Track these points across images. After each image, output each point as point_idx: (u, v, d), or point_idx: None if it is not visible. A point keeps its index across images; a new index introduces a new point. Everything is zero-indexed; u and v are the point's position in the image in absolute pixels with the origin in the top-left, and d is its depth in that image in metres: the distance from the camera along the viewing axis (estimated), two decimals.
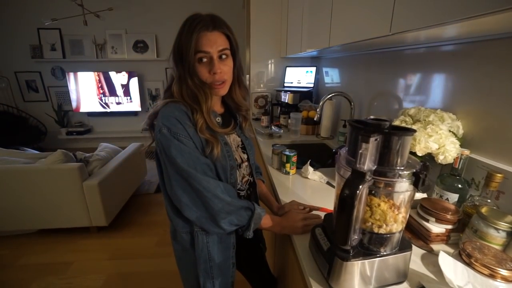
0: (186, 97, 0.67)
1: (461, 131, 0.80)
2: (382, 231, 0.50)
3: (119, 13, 3.56)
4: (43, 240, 2.01)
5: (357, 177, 0.45)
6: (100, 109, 3.90)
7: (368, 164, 0.45)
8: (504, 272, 0.51)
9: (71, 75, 3.71)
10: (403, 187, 0.48)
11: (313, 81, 2.15)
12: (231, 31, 0.68)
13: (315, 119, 1.48)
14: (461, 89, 0.83)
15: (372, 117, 0.48)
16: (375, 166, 0.46)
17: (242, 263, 0.91)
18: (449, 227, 0.67)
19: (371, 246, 0.53)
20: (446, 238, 0.68)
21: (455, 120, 0.81)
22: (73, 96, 3.79)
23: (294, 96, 2.09)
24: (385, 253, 0.52)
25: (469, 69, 0.80)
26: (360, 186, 0.43)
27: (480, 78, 0.76)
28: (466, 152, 0.72)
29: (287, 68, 2.36)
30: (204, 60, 0.66)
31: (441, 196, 0.76)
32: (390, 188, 0.48)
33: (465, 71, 0.81)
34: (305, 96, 2.12)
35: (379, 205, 0.51)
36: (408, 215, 0.52)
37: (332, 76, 2.01)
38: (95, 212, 1.95)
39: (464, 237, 0.65)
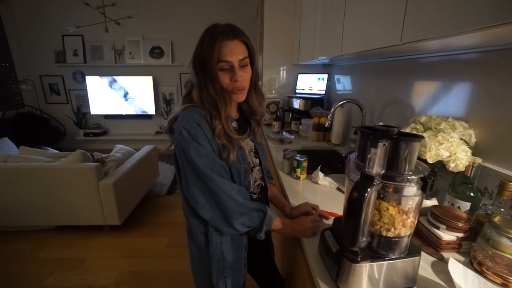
0: (206, 103, 0.71)
1: (473, 140, 0.79)
2: (390, 234, 0.51)
3: (138, 20, 3.73)
4: (61, 236, 2.10)
5: (366, 180, 0.46)
6: (116, 111, 4.05)
7: (376, 168, 0.46)
8: None
9: (91, 78, 3.89)
10: (411, 191, 0.49)
11: (324, 88, 2.17)
12: (249, 39, 0.72)
13: (326, 125, 1.49)
14: (474, 98, 0.83)
15: (381, 123, 0.50)
16: (384, 171, 0.48)
17: (252, 265, 0.93)
18: (460, 235, 0.66)
19: (379, 249, 0.54)
20: (457, 247, 0.67)
21: (467, 128, 0.81)
22: (91, 98, 3.96)
23: (305, 103, 2.10)
24: (393, 257, 0.53)
25: (482, 77, 0.80)
26: (369, 189, 0.45)
27: (493, 87, 0.76)
28: (478, 160, 0.72)
29: (299, 75, 2.39)
30: (226, 68, 0.70)
31: (452, 204, 0.76)
32: (398, 193, 0.50)
33: (478, 80, 0.81)
34: (316, 103, 2.13)
35: (387, 209, 0.52)
36: (416, 220, 0.53)
37: (344, 84, 2.03)
38: (109, 211, 2.02)
39: (476, 246, 0.65)
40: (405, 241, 0.53)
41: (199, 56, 0.70)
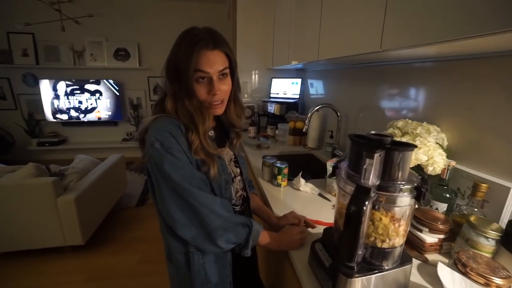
0: (181, 115, 0.65)
1: (445, 143, 0.84)
2: (385, 245, 0.50)
3: (100, 20, 3.45)
4: (8, 263, 1.81)
5: (362, 192, 0.45)
6: (76, 118, 3.69)
7: (372, 179, 0.45)
8: (498, 280, 0.53)
9: (45, 82, 3.50)
10: (404, 201, 0.48)
11: (298, 92, 2.20)
12: (230, 49, 0.68)
13: (303, 130, 1.50)
14: (445, 103, 0.88)
15: (373, 132, 0.49)
16: (379, 181, 0.47)
17: (237, 281, 0.87)
18: (442, 236, 0.69)
19: (373, 260, 0.53)
20: (439, 248, 0.70)
21: (440, 132, 0.85)
22: (46, 104, 3.56)
23: (281, 107, 2.11)
24: (387, 268, 0.52)
25: (452, 84, 0.85)
26: (366, 202, 0.43)
27: (462, 94, 0.81)
28: (453, 163, 0.76)
29: (273, 79, 2.40)
30: (203, 80, 0.65)
31: (431, 206, 0.79)
32: (392, 203, 0.49)
33: (448, 87, 0.86)
34: (291, 107, 2.15)
35: (380, 219, 0.51)
36: (408, 228, 0.53)
37: (317, 88, 2.07)
38: (70, 230, 1.80)
39: (456, 246, 0.67)
40: (398, 250, 0.52)
41: (174, 64, 0.63)
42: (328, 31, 1.10)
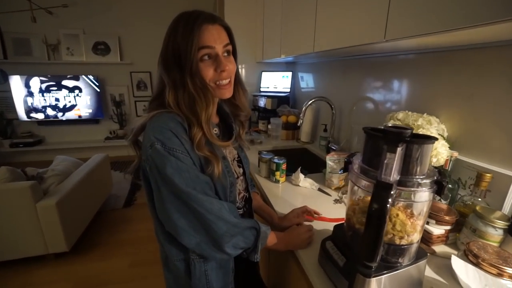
0: (183, 105, 0.59)
1: (446, 134, 0.84)
2: (404, 242, 0.49)
3: (76, 10, 3.21)
4: None
5: (383, 189, 0.42)
6: (53, 116, 3.46)
7: (393, 175, 0.43)
8: (510, 270, 0.53)
9: (16, 78, 3.24)
10: (423, 196, 0.47)
11: (289, 86, 2.17)
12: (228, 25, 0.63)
13: (298, 124, 1.47)
14: (443, 94, 0.87)
15: (390, 124, 0.47)
16: (399, 176, 0.44)
17: (238, 283, 0.84)
18: (448, 228, 0.68)
19: (388, 257, 0.51)
20: (445, 239, 0.70)
21: (439, 123, 0.85)
22: (18, 102, 3.31)
23: (272, 101, 2.07)
24: (404, 264, 0.51)
25: (451, 75, 0.84)
26: (389, 199, 0.41)
27: (462, 84, 0.81)
28: (455, 154, 0.76)
29: (263, 73, 2.35)
30: (208, 57, 0.59)
31: (434, 197, 0.78)
32: (411, 198, 0.47)
33: (448, 77, 0.86)
34: (282, 101, 2.12)
35: (397, 215, 0.49)
36: (425, 223, 0.51)
37: (307, 81, 2.05)
38: (52, 237, 1.68)
39: (462, 237, 0.67)
40: (415, 246, 0.51)
41: (172, 49, 0.57)
42: (325, 22, 1.06)
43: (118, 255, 1.90)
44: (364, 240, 0.45)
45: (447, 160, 0.76)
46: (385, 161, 0.42)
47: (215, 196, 0.61)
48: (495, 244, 0.62)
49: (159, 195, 0.58)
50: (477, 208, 0.66)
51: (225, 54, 0.61)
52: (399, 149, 0.41)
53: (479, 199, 0.70)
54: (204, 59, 0.59)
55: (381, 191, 0.42)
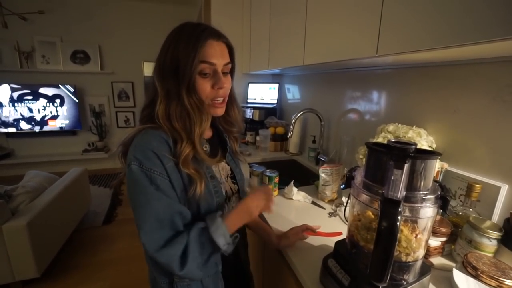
0: (174, 118, 0.56)
1: (434, 146, 0.86)
2: (410, 258, 0.48)
3: (52, 17, 3.07)
4: None
5: (393, 206, 0.41)
6: (24, 128, 3.23)
7: (400, 191, 0.42)
8: (509, 282, 0.53)
9: None
10: (428, 212, 0.46)
11: (276, 98, 2.19)
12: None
13: (288, 136, 1.47)
14: (430, 107, 0.91)
15: (393, 140, 0.47)
16: (405, 192, 0.44)
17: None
18: (444, 239, 0.69)
19: (393, 274, 0.50)
20: (441, 251, 0.70)
21: (428, 135, 0.88)
22: None
23: (259, 113, 2.08)
24: (410, 281, 0.50)
25: (437, 89, 0.88)
26: (399, 217, 0.40)
27: (447, 98, 0.85)
28: (446, 165, 0.78)
29: (250, 84, 2.35)
30: (207, 73, 0.57)
31: (438, 212, 0.79)
32: (415, 214, 0.47)
33: (433, 92, 0.89)
34: (270, 113, 2.13)
35: (401, 231, 0.48)
36: (429, 238, 0.51)
37: (293, 93, 2.08)
38: (20, 263, 1.52)
39: (458, 248, 0.68)
40: (419, 262, 0.50)
41: (171, 58, 0.55)
42: (315, 36, 1.08)
43: (97, 279, 1.75)
44: (374, 259, 0.43)
45: (438, 171, 0.78)
46: (392, 178, 0.41)
47: (181, 229, 0.55)
48: (490, 255, 0.63)
49: (135, 215, 0.54)
50: (470, 218, 0.67)
51: (224, 72, 0.60)
52: (406, 166, 0.40)
53: (471, 210, 0.72)
54: (203, 74, 0.57)
55: (390, 208, 0.41)
